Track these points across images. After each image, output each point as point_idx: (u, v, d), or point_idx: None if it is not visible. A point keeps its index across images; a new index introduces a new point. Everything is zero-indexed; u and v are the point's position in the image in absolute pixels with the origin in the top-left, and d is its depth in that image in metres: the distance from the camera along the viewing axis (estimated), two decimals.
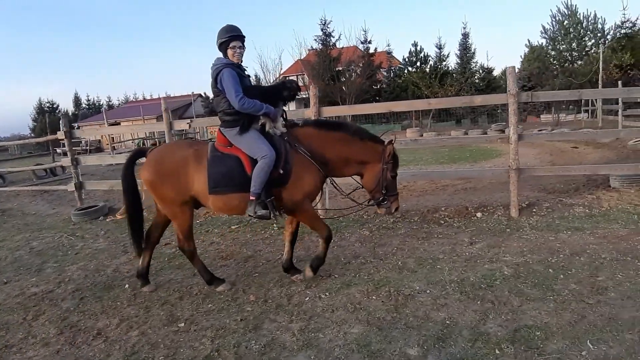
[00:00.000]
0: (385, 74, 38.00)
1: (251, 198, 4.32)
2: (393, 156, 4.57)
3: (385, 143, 4.60)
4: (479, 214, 7.07)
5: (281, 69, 39.67)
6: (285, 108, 4.72)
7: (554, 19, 32.20)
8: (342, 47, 37.74)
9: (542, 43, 32.98)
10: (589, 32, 31.20)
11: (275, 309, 4.34)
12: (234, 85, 4.26)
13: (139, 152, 4.95)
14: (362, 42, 38.01)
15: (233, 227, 7.51)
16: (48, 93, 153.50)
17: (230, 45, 4.43)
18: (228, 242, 6.72)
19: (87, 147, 32.15)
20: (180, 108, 43.31)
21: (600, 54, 23.62)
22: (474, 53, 35.62)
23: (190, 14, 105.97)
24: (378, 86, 37.73)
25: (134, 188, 4.78)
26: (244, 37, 4.51)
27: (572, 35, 31.32)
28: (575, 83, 27.23)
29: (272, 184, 4.36)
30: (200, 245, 6.50)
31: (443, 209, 7.49)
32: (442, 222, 6.89)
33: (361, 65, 36.78)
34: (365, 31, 38.90)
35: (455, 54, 36.18)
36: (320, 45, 37.76)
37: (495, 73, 36.53)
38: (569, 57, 31.56)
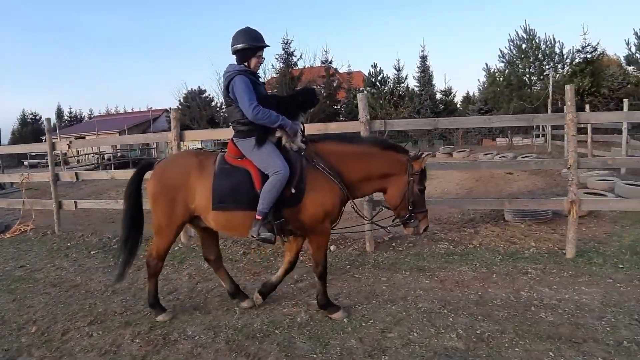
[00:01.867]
0: (345, 94, 37.53)
1: (257, 217, 3.90)
2: (422, 168, 4.09)
3: (413, 154, 4.16)
4: (332, 247, 6.47)
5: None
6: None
7: (512, 43, 32.09)
8: (304, 67, 37.34)
9: (500, 67, 32.81)
10: (547, 57, 31.07)
11: None
12: (247, 93, 3.91)
13: (147, 165, 4.57)
14: (322, 63, 37.62)
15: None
16: (32, 105, 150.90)
17: (257, 54, 4.11)
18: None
19: (56, 160, 31.02)
20: (144, 123, 42.72)
21: (550, 78, 23.37)
22: (431, 76, 35.35)
23: (164, 30, 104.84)
24: (338, 106, 37.20)
25: (137, 206, 4.42)
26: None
27: (530, 60, 31.17)
28: (529, 107, 26.94)
29: (283, 204, 3.94)
30: None
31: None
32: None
33: (322, 85, 36.31)
34: (326, 51, 38.58)
35: (414, 76, 35.89)
36: (281, 64, 37.29)
37: (458, 96, 36.36)
38: (527, 81, 31.38)
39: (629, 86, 28.68)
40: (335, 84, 37.40)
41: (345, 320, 4.12)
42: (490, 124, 7.10)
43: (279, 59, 37.43)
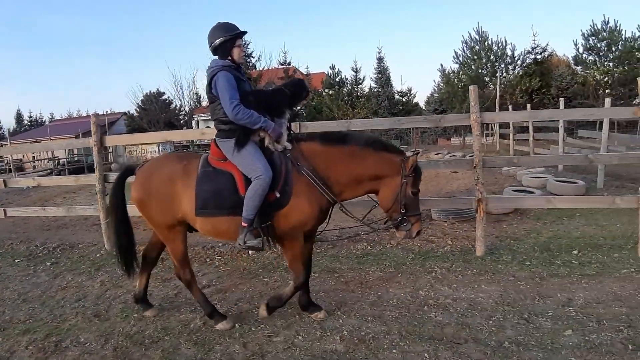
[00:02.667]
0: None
1: (243, 224, 3.69)
2: (415, 169, 3.78)
3: (407, 154, 3.88)
4: (251, 251, 6.15)
5: (196, 89, 38.80)
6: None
7: (465, 45, 32.63)
8: (263, 68, 37.21)
9: (454, 68, 33.30)
10: (498, 58, 31.71)
11: None
12: (229, 90, 3.70)
13: (128, 169, 4.36)
14: (281, 64, 37.50)
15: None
16: None
17: (237, 44, 3.90)
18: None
19: (8, 167, 29.98)
20: (103, 126, 41.49)
21: (498, 79, 23.82)
22: (389, 77, 35.65)
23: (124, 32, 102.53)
24: (298, 107, 37.07)
25: (123, 210, 4.27)
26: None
27: (483, 61, 31.75)
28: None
29: (270, 208, 3.73)
30: None
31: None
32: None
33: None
34: (284, 52, 38.53)
35: (371, 77, 36.16)
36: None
37: (419, 97, 36.74)
38: (479, 82, 31.92)
39: (576, 86, 29.51)
40: None
41: (237, 325, 4.01)
42: (401, 125, 7.07)
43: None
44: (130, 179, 4.32)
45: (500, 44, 31.85)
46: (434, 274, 4.98)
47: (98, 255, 6.62)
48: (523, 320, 3.83)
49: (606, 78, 29.74)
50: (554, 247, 5.76)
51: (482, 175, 5.65)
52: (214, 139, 3.96)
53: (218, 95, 3.76)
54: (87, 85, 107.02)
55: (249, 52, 37.11)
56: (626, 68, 29.42)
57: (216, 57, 3.92)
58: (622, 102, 28.41)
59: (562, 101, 13.20)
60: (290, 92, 3.91)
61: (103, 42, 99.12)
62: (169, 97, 43.10)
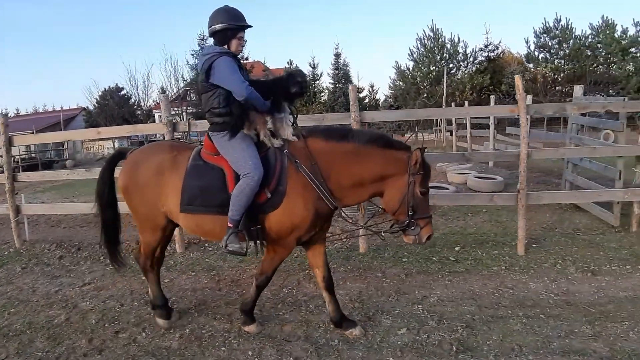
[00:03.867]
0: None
1: (228, 224, 3.39)
2: (422, 165, 3.36)
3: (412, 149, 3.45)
4: None
5: (152, 84, 38.18)
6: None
7: (419, 42, 32.93)
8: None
9: (409, 65, 33.60)
10: (451, 55, 32.14)
11: None
12: (235, 74, 3.39)
13: (119, 154, 4.11)
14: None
15: None
16: None
17: (238, 36, 3.59)
18: None
19: None
20: (64, 121, 40.44)
21: (445, 77, 24.15)
22: (346, 73, 35.71)
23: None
24: None
25: (110, 192, 4.01)
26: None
27: (437, 58, 32.12)
28: (429, 104, 27.74)
29: (258, 209, 3.42)
30: None
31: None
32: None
33: None
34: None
35: (328, 73, 36.19)
36: (197, 60, 36.55)
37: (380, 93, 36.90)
38: (432, 79, 32.33)
39: (527, 82, 30.11)
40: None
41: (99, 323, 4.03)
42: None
43: (195, 55, 36.77)
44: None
45: (453, 42, 32.24)
46: (307, 271, 4.99)
47: (7, 253, 6.56)
48: (365, 318, 3.89)
49: (555, 75, 30.41)
50: (440, 243, 5.85)
51: None
52: (207, 132, 3.68)
53: (216, 84, 3.46)
54: (54, 80, 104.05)
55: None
56: (575, 65, 30.18)
57: (211, 42, 3.66)
58: (569, 99, 29.18)
59: (492, 98, 13.46)
60: (290, 83, 3.52)
61: (57, 34, 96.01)
62: (127, 92, 42.22)
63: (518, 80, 5.31)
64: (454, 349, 3.37)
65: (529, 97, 13.95)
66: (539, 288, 4.38)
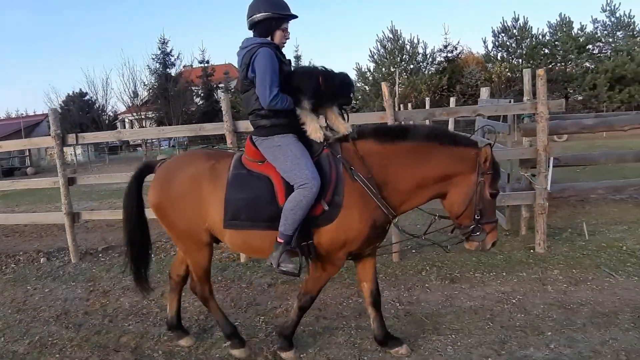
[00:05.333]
0: (222, 94, 37.15)
1: (278, 240, 3.00)
2: (493, 164, 3.03)
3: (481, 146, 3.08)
4: (43, 259, 6.42)
5: (111, 89, 37.82)
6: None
7: (379, 43, 33.08)
8: (183, 66, 36.74)
9: (370, 66, 33.75)
10: (410, 57, 32.38)
11: None
12: (269, 73, 3.00)
13: (147, 167, 3.69)
14: (200, 62, 37.02)
15: None
16: None
17: (283, 27, 3.22)
18: None
19: None
20: (28, 127, 39.64)
21: (396, 79, 24.28)
22: None
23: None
24: (219, 105, 36.72)
25: (138, 210, 3.58)
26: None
27: (397, 59, 32.31)
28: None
29: (311, 223, 3.03)
30: None
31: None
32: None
33: (199, 85, 35.93)
34: (202, 51, 38.04)
35: None
36: (158, 64, 36.26)
37: None
38: (391, 80, 32.48)
39: (483, 82, 30.44)
40: (214, 85, 37.04)
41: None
42: (164, 135, 7.05)
43: (156, 60, 36.42)
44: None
45: (413, 43, 32.47)
46: None
47: None
48: (201, 331, 3.95)
49: (512, 74, 30.77)
50: None
51: None
52: (250, 136, 3.30)
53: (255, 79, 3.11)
54: (22, 84, 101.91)
55: (169, 50, 36.48)
56: (531, 64, 30.60)
57: (252, 34, 3.29)
58: (527, 98, 29.57)
59: (427, 101, 13.56)
60: (339, 93, 3.17)
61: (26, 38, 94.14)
62: (91, 97, 41.60)
63: (385, 88, 5.31)
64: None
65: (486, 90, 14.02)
66: (390, 297, 4.34)
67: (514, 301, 4.10)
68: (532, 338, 3.46)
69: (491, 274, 4.76)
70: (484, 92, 7.94)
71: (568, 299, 4.03)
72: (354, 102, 31.97)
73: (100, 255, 6.38)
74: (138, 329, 4.01)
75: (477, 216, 3.02)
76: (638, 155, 6.28)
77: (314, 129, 3.09)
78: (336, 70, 3.15)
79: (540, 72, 5.14)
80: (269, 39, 3.19)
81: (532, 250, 5.32)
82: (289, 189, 3.01)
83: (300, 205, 2.93)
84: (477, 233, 3.05)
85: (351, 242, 3.09)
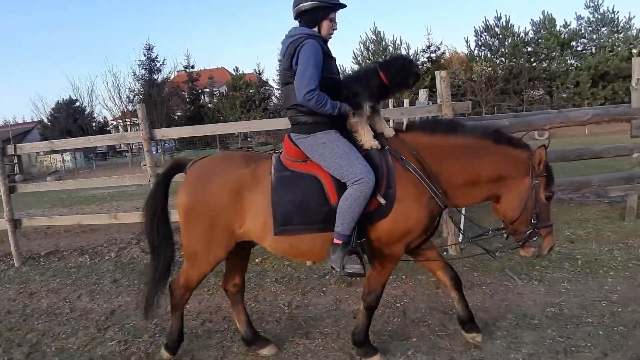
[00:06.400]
0: (207, 99, 37.34)
1: (335, 241, 2.88)
2: (547, 167, 2.99)
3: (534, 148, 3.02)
4: None
5: (97, 96, 38.08)
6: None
7: (362, 45, 33.18)
8: (169, 72, 37.04)
9: (354, 68, 33.77)
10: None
11: None
12: (311, 67, 2.85)
13: (177, 166, 3.41)
14: (184, 67, 37.14)
15: None
16: None
17: (330, 16, 3.08)
18: None
19: None
20: (19, 135, 40.29)
21: None
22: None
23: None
24: (205, 109, 36.83)
25: (163, 211, 3.31)
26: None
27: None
28: None
29: (368, 219, 2.93)
30: None
31: None
32: None
33: (185, 91, 36.13)
34: (187, 56, 38.24)
35: (274, 79, 36.32)
36: (143, 70, 36.50)
37: None
38: None
39: (466, 82, 30.48)
40: (199, 89, 37.20)
41: None
42: (91, 144, 7.18)
43: (141, 66, 36.57)
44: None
45: (395, 44, 32.54)
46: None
47: None
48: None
49: (495, 73, 30.80)
50: None
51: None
52: (288, 134, 3.17)
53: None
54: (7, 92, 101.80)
55: (154, 56, 36.60)
56: (513, 62, 30.66)
57: (297, 24, 3.17)
58: (508, 96, 29.68)
59: (406, 102, 13.54)
60: (395, 81, 3.00)
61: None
62: (81, 104, 41.70)
63: None
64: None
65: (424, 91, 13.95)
66: (283, 300, 4.35)
67: (398, 305, 4.04)
68: (395, 344, 3.40)
69: (392, 277, 4.68)
70: (422, 94, 7.87)
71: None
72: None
73: (41, 259, 6.53)
74: (44, 327, 4.24)
75: (534, 220, 2.97)
76: (596, 152, 6.07)
77: (368, 139, 2.99)
78: (388, 58, 3.07)
79: (443, 74, 5.11)
80: (315, 29, 3.08)
81: (445, 253, 5.26)
82: (340, 186, 2.92)
83: (358, 202, 2.83)
84: (534, 238, 3.00)
85: (410, 233, 3.01)
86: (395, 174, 2.95)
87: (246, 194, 3.04)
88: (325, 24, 3.08)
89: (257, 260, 5.44)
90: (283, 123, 5.02)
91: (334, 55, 3.14)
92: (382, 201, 2.90)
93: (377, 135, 3.05)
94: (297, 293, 4.48)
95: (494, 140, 3.02)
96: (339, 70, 3.25)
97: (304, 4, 3.03)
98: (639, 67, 5.51)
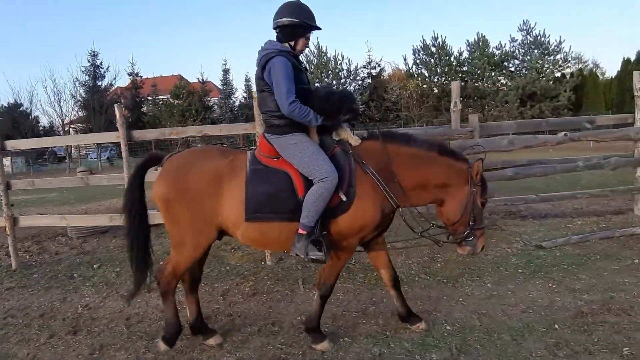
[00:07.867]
0: (151, 106, 37.19)
1: (300, 231, 3.23)
2: (482, 176, 3.48)
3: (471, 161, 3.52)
4: None
5: (39, 101, 37.41)
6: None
7: (305, 58, 33.87)
8: (113, 78, 36.76)
9: None
10: (335, 73, 33.33)
11: None
12: (286, 81, 3.21)
13: (153, 159, 3.69)
14: (129, 75, 37.07)
15: None
16: None
17: (307, 35, 3.47)
18: None
19: None
20: None
21: None
22: (235, 89, 36.84)
23: None
24: (145, 118, 36.63)
25: (140, 204, 3.58)
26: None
27: (322, 75, 33.18)
28: None
29: (331, 214, 3.29)
30: None
31: None
32: None
33: (128, 98, 35.99)
34: (132, 63, 38.15)
35: (219, 89, 36.60)
36: (87, 77, 36.20)
37: None
38: None
39: (403, 98, 31.63)
40: (142, 97, 37.12)
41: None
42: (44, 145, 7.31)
43: (85, 72, 36.22)
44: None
45: (337, 59, 33.42)
46: None
47: None
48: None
49: (427, 90, 32.09)
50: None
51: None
52: (263, 134, 3.51)
53: (271, 84, 3.33)
54: None
55: (98, 62, 36.30)
56: (447, 81, 32.02)
57: (274, 38, 3.50)
58: (440, 112, 30.91)
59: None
60: (347, 108, 3.39)
61: None
62: (27, 108, 40.68)
63: None
64: None
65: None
66: (211, 306, 4.57)
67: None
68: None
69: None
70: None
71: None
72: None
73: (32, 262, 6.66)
74: None
75: (471, 222, 3.45)
76: (546, 169, 6.58)
77: (353, 138, 3.45)
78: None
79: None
80: (292, 43, 3.43)
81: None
82: (308, 182, 3.28)
83: (322, 197, 3.20)
84: (470, 238, 3.49)
85: (365, 227, 3.39)
86: (356, 175, 3.36)
87: (224, 183, 3.36)
88: (301, 41, 3.47)
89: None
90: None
91: (304, 67, 3.57)
92: (344, 198, 3.29)
93: (342, 141, 3.47)
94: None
95: (438, 152, 3.50)
96: (309, 80, 3.68)
97: (284, 20, 3.38)
98: (456, 91, 6.18)
